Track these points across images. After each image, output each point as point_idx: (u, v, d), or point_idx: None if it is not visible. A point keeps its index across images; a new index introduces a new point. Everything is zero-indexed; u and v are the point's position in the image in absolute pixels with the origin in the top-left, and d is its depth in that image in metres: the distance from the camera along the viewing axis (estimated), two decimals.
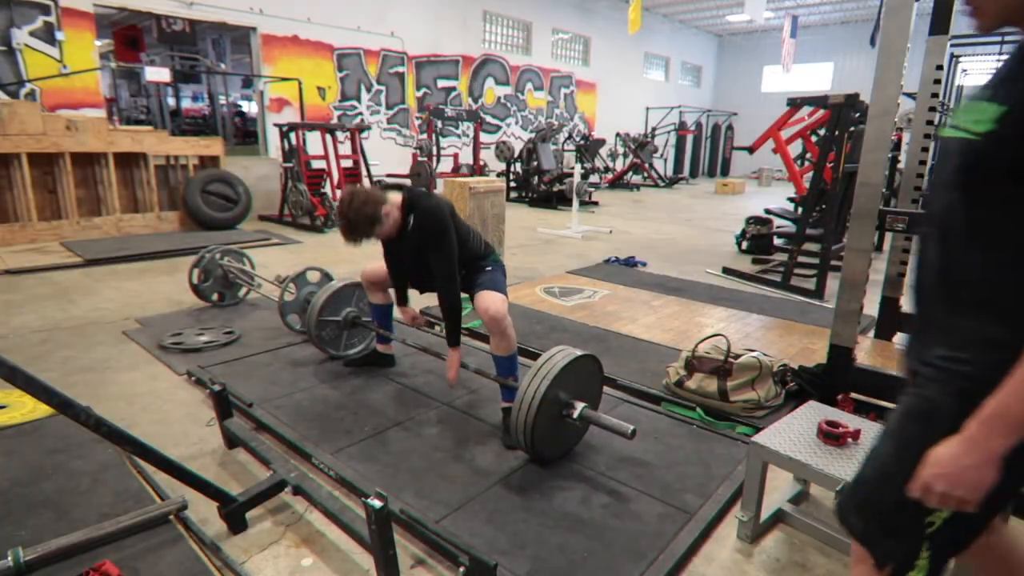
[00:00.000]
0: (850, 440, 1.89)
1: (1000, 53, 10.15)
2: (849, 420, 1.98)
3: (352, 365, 3.15)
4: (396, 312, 3.02)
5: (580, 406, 2.20)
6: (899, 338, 3.57)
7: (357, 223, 2.40)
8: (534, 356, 3.34)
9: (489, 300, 2.49)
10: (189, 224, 7.38)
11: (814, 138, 7.05)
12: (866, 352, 3.33)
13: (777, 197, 12.93)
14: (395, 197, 2.53)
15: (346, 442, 2.40)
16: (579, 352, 2.23)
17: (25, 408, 2.57)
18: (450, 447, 2.39)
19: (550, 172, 11.70)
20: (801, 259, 5.57)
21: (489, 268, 2.67)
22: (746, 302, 4.69)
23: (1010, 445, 0.87)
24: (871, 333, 3.66)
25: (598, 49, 17.36)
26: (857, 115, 5.01)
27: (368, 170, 8.95)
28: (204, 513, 1.95)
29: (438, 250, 2.48)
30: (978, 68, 11.64)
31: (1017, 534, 1.29)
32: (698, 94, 22.47)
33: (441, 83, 13.25)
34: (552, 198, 11.07)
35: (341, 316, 3.21)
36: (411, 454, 2.33)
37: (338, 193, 8.51)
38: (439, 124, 11.83)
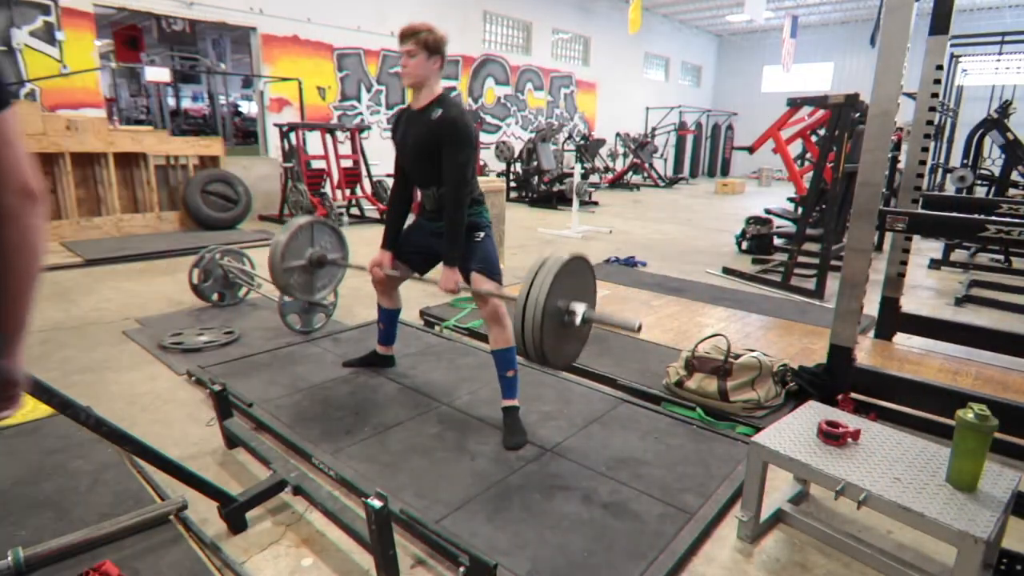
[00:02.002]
0: (850, 440, 1.89)
1: (1000, 53, 10.16)
2: (849, 420, 1.98)
3: (352, 365, 3.15)
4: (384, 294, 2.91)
5: (582, 308, 2.13)
6: (899, 338, 3.57)
7: (424, 30, 2.34)
8: None
9: (487, 290, 2.46)
10: (189, 224, 7.37)
11: (814, 138, 7.05)
12: (866, 352, 3.33)
13: (777, 197, 12.93)
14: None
15: (346, 442, 2.40)
16: (567, 256, 2.13)
17: (25, 408, 2.57)
18: (450, 447, 2.39)
19: (550, 172, 11.69)
20: (801, 259, 5.57)
21: (479, 238, 2.56)
22: (746, 302, 4.69)
23: None
24: (871, 333, 3.65)
25: (598, 49, 17.36)
26: (857, 115, 5.01)
27: (368, 170, 8.95)
28: (204, 513, 1.95)
29: (455, 148, 2.38)
30: (978, 68, 11.65)
31: None
32: (698, 94, 22.47)
33: (412, 96, 13.21)
34: (552, 198, 11.07)
35: (305, 258, 3.06)
36: (411, 454, 2.33)
37: (338, 194, 8.51)
38: None
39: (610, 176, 15.66)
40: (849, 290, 2.61)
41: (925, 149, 3.22)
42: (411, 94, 2.54)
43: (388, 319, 3.05)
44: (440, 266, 2.59)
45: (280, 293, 3.52)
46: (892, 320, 3.50)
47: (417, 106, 2.50)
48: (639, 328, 2.02)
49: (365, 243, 6.91)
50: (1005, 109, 7.24)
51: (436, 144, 2.42)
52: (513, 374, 2.53)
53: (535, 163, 11.81)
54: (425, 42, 2.37)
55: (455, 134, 2.38)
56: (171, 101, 17.75)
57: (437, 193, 2.53)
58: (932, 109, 3.10)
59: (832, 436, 1.87)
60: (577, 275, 2.18)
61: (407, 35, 2.38)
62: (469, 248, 2.55)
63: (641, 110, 18.95)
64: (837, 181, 4.95)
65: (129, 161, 7.12)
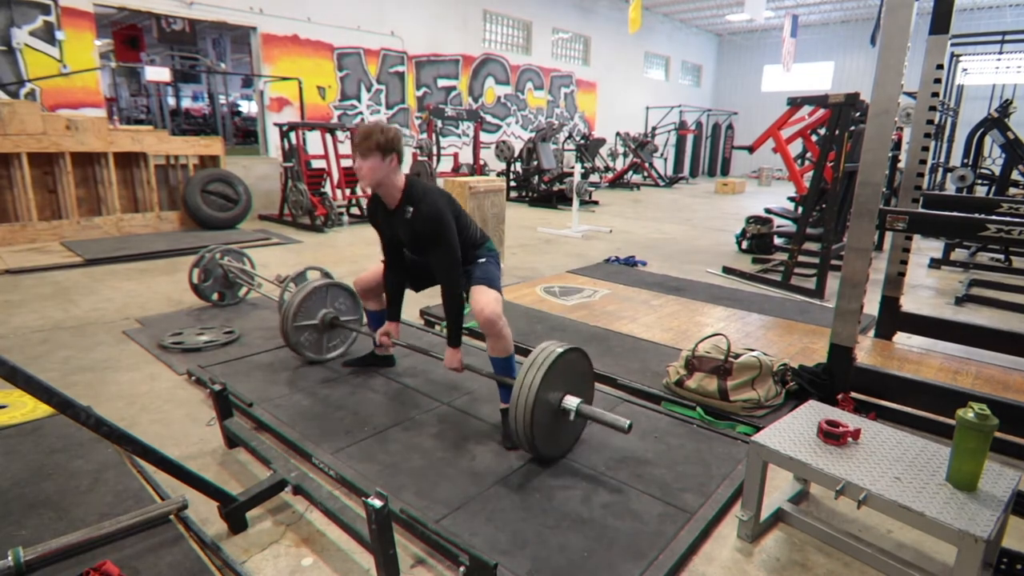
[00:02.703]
0: (850, 440, 1.89)
1: (1000, 52, 10.16)
2: (849, 420, 1.98)
3: (352, 365, 3.15)
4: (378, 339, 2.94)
5: (575, 402, 2.20)
6: (900, 337, 3.57)
7: (376, 132, 2.36)
8: None
9: (484, 301, 2.47)
10: (189, 224, 7.37)
11: (814, 137, 7.05)
12: (866, 351, 3.33)
13: (777, 196, 12.93)
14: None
15: (346, 442, 2.40)
16: (563, 347, 2.21)
17: (25, 408, 2.57)
18: (450, 447, 2.39)
19: (550, 172, 11.69)
20: (801, 258, 5.57)
21: (483, 260, 2.64)
22: (746, 301, 4.69)
23: None
24: (871, 332, 3.66)
25: (598, 48, 17.36)
26: (857, 114, 5.01)
27: None
28: (204, 513, 1.95)
29: (438, 246, 2.44)
30: (978, 67, 11.64)
31: None
32: (698, 93, 22.46)
33: (441, 82, 13.24)
34: (552, 198, 11.07)
35: (318, 319, 3.12)
36: (411, 454, 2.33)
37: (338, 193, 8.52)
38: (439, 124, 11.83)
39: (610, 175, 15.65)
40: (849, 290, 2.61)
41: (925, 148, 3.22)
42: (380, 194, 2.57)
43: (378, 320, 3.05)
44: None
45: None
46: (892, 319, 3.51)
47: (390, 206, 2.55)
48: (629, 428, 2.10)
49: (365, 243, 6.91)
50: (1005, 108, 7.24)
51: (418, 238, 2.49)
52: (512, 381, 2.52)
53: (535, 163, 11.81)
54: (377, 144, 2.37)
55: (432, 230, 2.43)
56: (171, 101, 17.76)
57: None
58: (932, 108, 3.10)
59: (832, 435, 1.87)
60: (573, 368, 2.28)
61: (358, 143, 2.40)
62: (471, 267, 2.62)
63: (641, 109, 18.94)
64: (837, 180, 4.95)
65: (129, 161, 7.12)
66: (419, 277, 2.83)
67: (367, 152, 2.37)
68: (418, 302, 4.27)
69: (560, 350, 2.19)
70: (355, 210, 8.82)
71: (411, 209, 2.45)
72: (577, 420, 2.26)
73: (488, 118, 14.36)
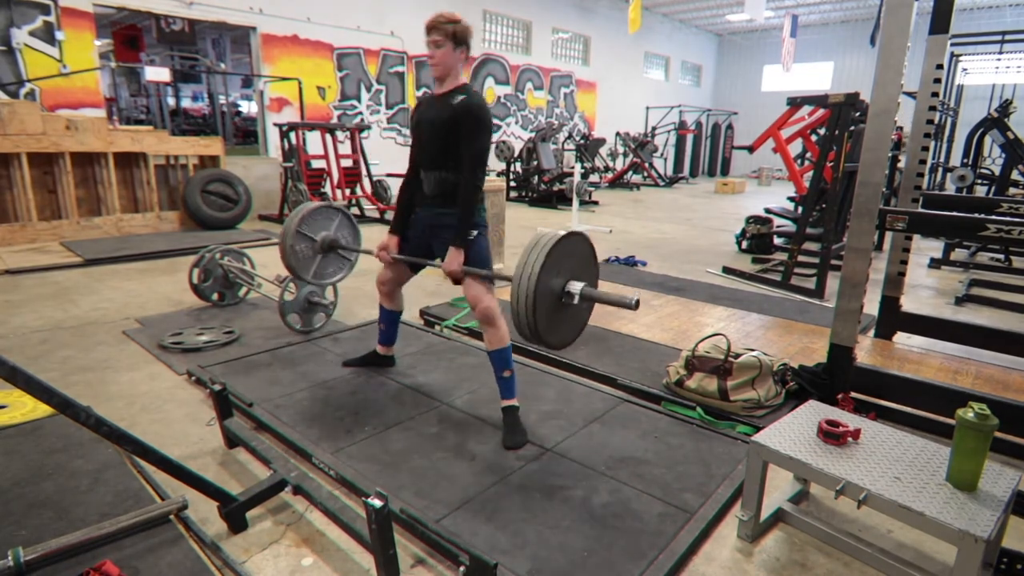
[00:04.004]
0: (850, 439, 1.89)
1: (1000, 52, 10.16)
2: (849, 419, 1.98)
3: (352, 365, 3.15)
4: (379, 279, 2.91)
5: (579, 286, 2.13)
6: (900, 337, 3.57)
7: (452, 21, 2.39)
8: (535, 356, 3.35)
9: (476, 290, 2.47)
10: (189, 224, 7.37)
11: (814, 137, 7.05)
12: (866, 351, 3.33)
13: (777, 196, 12.94)
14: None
15: (346, 442, 2.40)
16: (564, 231, 2.13)
17: (25, 408, 2.57)
18: (450, 447, 2.39)
19: (550, 171, 11.69)
20: (801, 258, 5.57)
21: (472, 236, 2.55)
22: (746, 301, 4.69)
23: None
24: (871, 332, 3.66)
25: (598, 48, 17.36)
26: (857, 114, 5.01)
27: (368, 169, 8.95)
28: (204, 513, 1.95)
29: (473, 139, 2.42)
30: (978, 67, 11.64)
31: None
32: (698, 93, 22.46)
33: (437, 86, 13.22)
34: (552, 197, 11.07)
35: (318, 237, 3.06)
36: (411, 453, 2.33)
37: (338, 193, 8.52)
38: None
39: (610, 175, 15.65)
40: (849, 289, 2.61)
41: (925, 148, 3.22)
42: (436, 83, 2.58)
43: (389, 320, 3.06)
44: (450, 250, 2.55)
45: (282, 285, 3.52)
46: (892, 319, 3.51)
47: (439, 92, 2.54)
48: (636, 304, 2.02)
49: (364, 242, 6.91)
50: (1005, 108, 7.24)
51: (452, 126, 2.44)
52: (510, 374, 2.53)
53: (535, 162, 11.81)
54: (452, 33, 2.41)
55: (476, 120, 2.41)
56: (171, 101, 17.76)
57: (440, 176, 2.54)
58: (932, 108, 3.10)
59: (832, 435, 1.87)
60: (575, 253, 2.17)
61: (434, 26, 2.41)
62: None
63: (641, 109, 18.94)
64: (837, 180, 4.95)
65: (129, 161, 7.12)
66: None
67: (442, 39, 2.40)
68: (418, 302, 4.27)
69: (561, 233, 2.11)
70: (355, 210, 8.82)
71: (462, 97, 2.44)
72: (582, 305, 2.18)
73: None
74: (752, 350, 2.81)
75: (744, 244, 7.08)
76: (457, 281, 2.55)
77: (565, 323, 2.22)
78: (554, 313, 2.14)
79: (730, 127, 21.49)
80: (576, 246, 2.18)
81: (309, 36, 10.70)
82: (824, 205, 5.43)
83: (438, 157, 2.53)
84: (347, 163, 8.72)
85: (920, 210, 3.05)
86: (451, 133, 2.45)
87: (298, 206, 3.04)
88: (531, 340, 2.13)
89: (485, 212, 2.65)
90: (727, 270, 5.90)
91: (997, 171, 7.85)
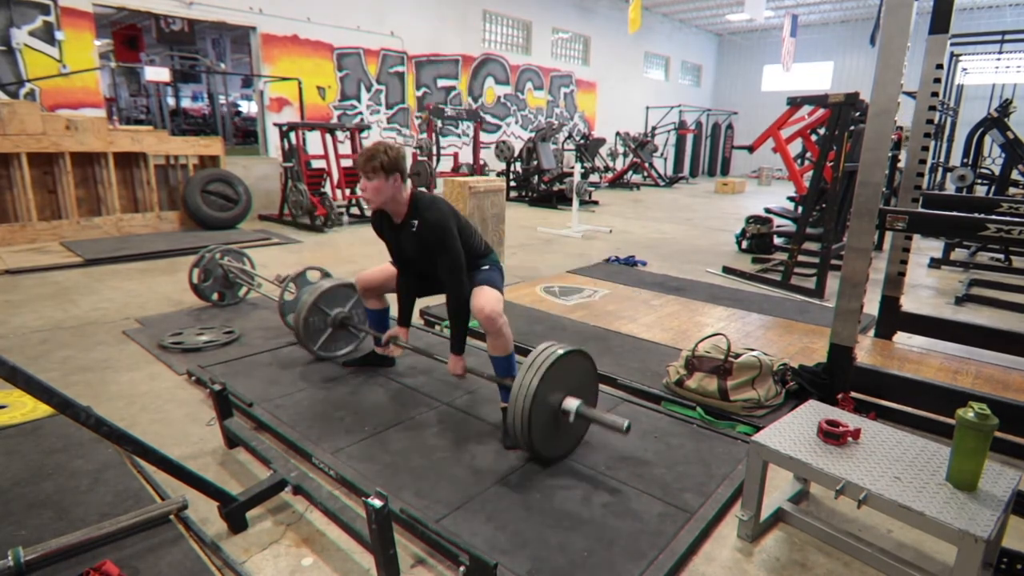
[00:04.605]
0: (850, 439, 1.89)
1: (1000, 52, 10.15)
2: (849, 419, 1.98)
3: (352, 365, 3.15)
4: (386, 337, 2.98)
5: (575, 404, 2.20)
6: (900, 337, 3.57)
7: (379, 153, 2.41)
8: None
9: (484, 299, 2.49)
10: (189, 224, 7.37)
11: (814, 137, 7.05)
12: (866, 351, 3.33)
13: (777, 196, 12.93)
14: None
15: (346, 442, 2.40)
16: (564, 349, 2.21)
17: (25, 408, 2.57)
18: (450, 447, 2.39)
19: (550, 171, 11.69)
20: (801, 258, 5.57)
21: (486, 267, 2.68)
22: (746, 301, 4.69)
23: None
24: (871, 332, 3.66)
25: (598, 48, 17.35)
26: (857, 114, 5.01)
27: None
28: (204, 513, 1.95)
29: (444, 252, 2.49)
30: (978, 67, 11.64)
31: None
32: (698, 93, 22.46)
33: (441, 82, 13.24)
34: (552, 197, 11.07)
35: (332, 313, 3.18)
36: (411, 453, 2.33)
37: (338, 193, 8.52)
38: (439, 123, 11.83)
39: (610, 175, 15.65)
40: (849, 289, 2.61)
41: (925, 148, 3.22)
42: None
43: (378, 319, 3.07)
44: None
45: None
46: (892, 319, 3.51)
47: (397, 220, 2.60)
48: (627, 429, 2.10)
49: (365, 243, 6.91)
50: (1005, 108, 7.24)
51: (428, 248, 2.53)
52: (511, 381, 2.53)
53: (535, 162, 11.81)
54: (381, 165, 2.42)
55: (437, 238, 2.48)
56: (171, 101, 17.76)
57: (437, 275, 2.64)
58: (932, 108, 3.10)
59: (832, 435, 1.87)
60: (575, 368, 2.27)
61: (362, 166, 2.44)
62: (473, 274, 2.64)
63: (641, 109, 18.94)
64: (837, 180, 4.95)
65: (129, 161, 7.12)
66: (425, 286, 2.85)
67: (372, 174, 2.42)
68: (418, 302, 4.26)
69: (561, 351, 2.19)
70: (355, 210, 8.83)
71: (416, 222, 2.51)
72: (578, 421, 2.26)
73: (488, 118, 14.36)
74: (752, 350, 2.81)
75: (744, 244, 7.07)
76: (461, 377, 2.68)
77: (561, 437, 2.31)
78: (549, 428, 2.22)
79: (730, 127, 21.49)
80: (577, 363, 2.28)
81: (309, 36, 10.69)
82: (824, 205, 5.43)
83: (432, 268, 2.62)
84: (347, 163, 8.72)
85: (920, 210, 3.04)
86: (431, 253, 2.53)
87: (314, 285, 3.19)
88: (525, 451, 2.25)
89: (498, 257, 2.79)
90: (727, 270, 5.90)
91: (997, 171, 7.85)
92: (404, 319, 2.88)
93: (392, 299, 3.02)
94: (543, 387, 2.13)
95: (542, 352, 2.20)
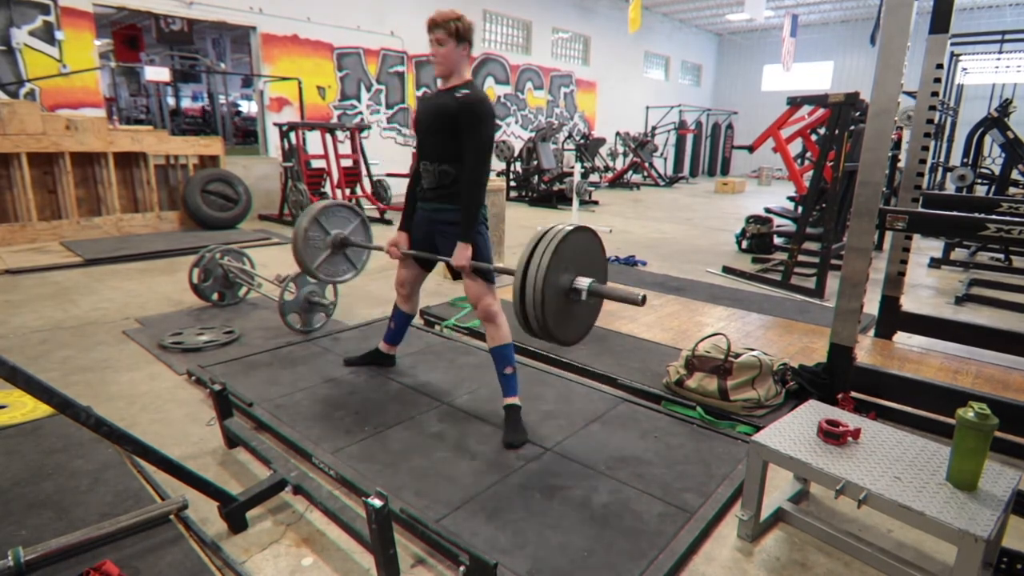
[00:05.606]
0: (850, 439, 1.89)
1: (1000, 52, 10.15)
2: (849, 419, 1.98)
3: (352, 365, 3.15)
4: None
5: (586, 282, 2.13)
6: (900, 337, 3.57)
7: (453, 18, 2.38)
8: (535, 356, 3.35)
9: (478, 293, 2.50)
10: (189, 224, 7.37)
11: (814, 137, 7.05)
12: (866, 351, 3.33)
13: (777, 196, 12.93)
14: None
15: (346, 441, 2.40)
16: (571, 226, 2.13)
17: (25, 408, 2.57)
18: (450, 446, 2.39)
19: (550, 171, 11.69)
20: (801, 258, 5.57)
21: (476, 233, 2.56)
22: (746, 301, 4.69)
23: None
24: (871, 332, 3.66)
25: (598, 48, 17.35)
26: (857, 114, 5.01)
27: (368, 169, 8.95)
28: (204, 512, 1.95)
29: (475, 133, 2.40)
30: (978, 67, 11.63)
31: None
32: (698, 93, 22.46)
33: (441, 82, 13.23)
34: (552, 197, 11.07)
35: (332, 233, 3.12)
36: (411, 453, 2.33)
37: (338, 193, 8.51)
38: None
39: (610, 175, 15.65)
40: (849, 289, 2.61)
41: (925, 148, 3.22)
42: (440, 81, 2.57)
43: (401, 321, 3.06)
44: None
45: (281, 286, 3.52)
46: (892, 319, 3.51)
47: (443, 87, 2.54)
48: (643, 300, 2.01)
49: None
50: (1005, 108, 7.24)
51: (453, 119, 2.43)
52: (512, 371, 2.54)
53: (535, 162, 11.81)
54: (456, 30, 2.41)
55: (478, 113, 2.39)
56: (171, 101, 17.76)
57: (440, 169, 2.53)
58: (932, 108, 3.10)
59: (832, 435, 1.87)
60: (582, 248, 2.17)
61: (436, 24, 2.41)
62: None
63: (641, 109, 18.94)
64: (837, 180, 4.95)
65: (129, 161, 7.12)
66: (429, 252, 2.75)
67: (444, 37, 2.40)
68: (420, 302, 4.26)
69: (568, 228, 2.10)
70: None
71: (465, 91, 2.43)
72: (591, 301, 2.19)
73: None
74: (752, 350, 2.81)
75: (744, 244, 7.07)
76: (457, 277, 2.56)
77: (574, 320, 2.23)
78: (562, 310, 2.14)
79: (730, 127, 21.49)
80: (583, 240, 2.18)
81: (309, 36, 10.69)
82: (824, 205, 5.43)
83: (439, 149, 2.52)
84: (347, 163, 8.71)
85: (920, 210, 3.04)
86: (452, 125, 2.44)
87: (319, 201, 3.12)
88: (540, 337, 2.13)
89: (486, 210, 2.65)
90: (727, 270, 5.90)
91: (997, 171, 7.85)
92: (407, 221, 2.81)
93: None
94: (554, 264, 2.03)
95: (549, 231, 2.11)
